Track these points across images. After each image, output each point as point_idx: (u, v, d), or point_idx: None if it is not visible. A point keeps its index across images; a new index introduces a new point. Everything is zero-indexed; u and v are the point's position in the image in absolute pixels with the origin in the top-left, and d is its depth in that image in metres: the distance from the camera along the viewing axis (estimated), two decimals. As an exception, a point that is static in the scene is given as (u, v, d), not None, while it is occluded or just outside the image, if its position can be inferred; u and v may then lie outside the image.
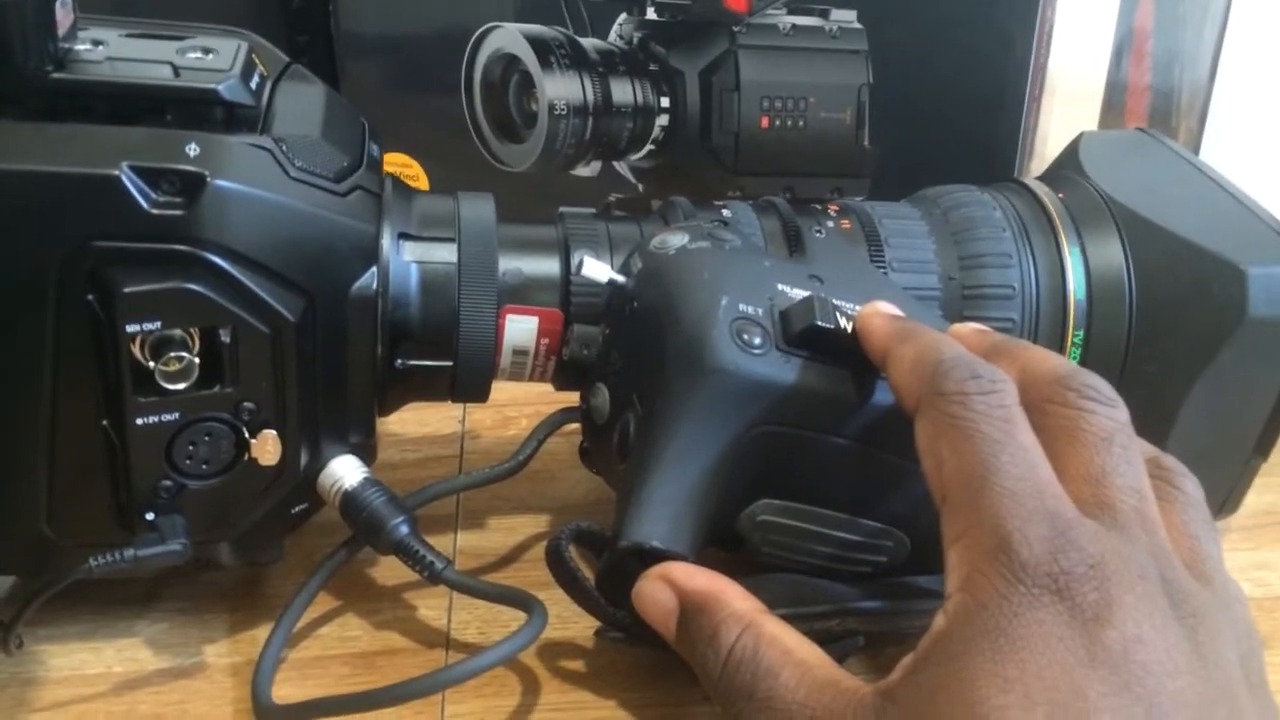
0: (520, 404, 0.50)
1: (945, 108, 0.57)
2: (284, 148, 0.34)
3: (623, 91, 0.55)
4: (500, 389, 0.41)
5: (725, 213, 0.41)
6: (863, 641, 0.35)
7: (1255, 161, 0.44)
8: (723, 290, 0.34)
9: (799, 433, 0.33)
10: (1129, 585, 0.26)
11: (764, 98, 0.55)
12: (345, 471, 0.37)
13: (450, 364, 0.38)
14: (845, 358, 0.34)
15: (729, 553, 0.35)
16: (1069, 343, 0.41)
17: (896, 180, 0.48)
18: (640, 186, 0.57)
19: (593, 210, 0.42)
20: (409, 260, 0.37)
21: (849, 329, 0.34)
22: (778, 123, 0.56)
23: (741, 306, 0.34)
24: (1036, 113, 0.59)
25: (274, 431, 0.35)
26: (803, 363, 0.33)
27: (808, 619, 0.34)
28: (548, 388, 0.42)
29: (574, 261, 0.39)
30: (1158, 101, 0.65)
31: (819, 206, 0.43)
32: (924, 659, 0.27)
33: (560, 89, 0.54)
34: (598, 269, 0.37)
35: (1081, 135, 0.46)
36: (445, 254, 0.38)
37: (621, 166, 0.57)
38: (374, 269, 0.36)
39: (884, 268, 0.41)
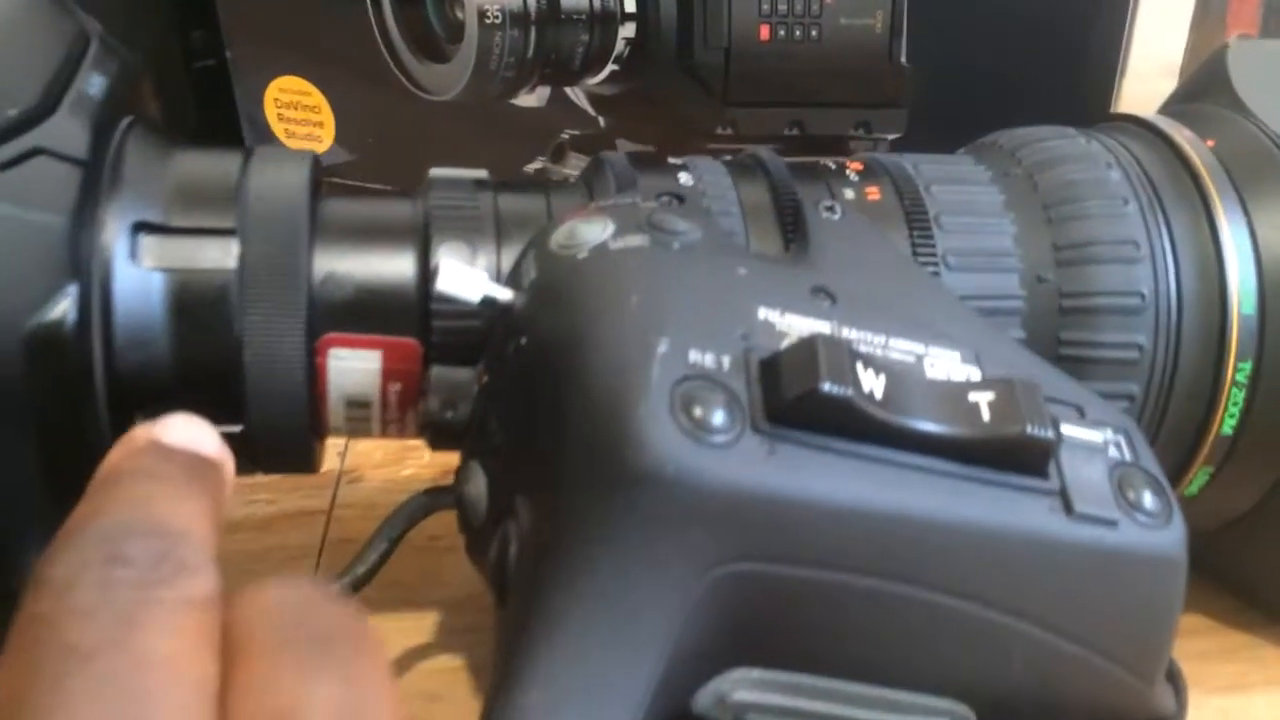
0: (420, 431, 0.38)
1: (1014, 10, 0.47)
2: None
3: (574, -8, 0.47)
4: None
5: (683, 178, 0.28)
6: None
7: None
8: (661, 327, 0.22)
9: (793, 573, 0.22)
10: None
11: (763, -1, 0.46)
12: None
13: (239, 429, 0.25)
14: (869, 440, 0.22)
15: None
16: (1228, 380, 0.28)
17: (945, 114, 0.40)
18: (601, 120, 0.49)
19: (481, 174, 0.28)
20: (152, 268, 0.24)
21: (877, 394, 0.21)
22: (782, 33, 0.46)
23: (694, 356, 0.22)
24: (1134, 13, 0.49)
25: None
26: (799, 453, 0.22)
27: None
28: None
29: (432, 262, 0.25)
30: (1274, 6, 0.58)
31: (832, 165, 0.30)
32: None
33: (492, -11, 0.46)
34: (463, 279, 0.24)
35: (1229, 44, 0.34)
36: (217, 253, 0.25)
37: (576, 94, 0.49)
38: (72, 288, 0.22)
39: (934, 264, 0.28)
